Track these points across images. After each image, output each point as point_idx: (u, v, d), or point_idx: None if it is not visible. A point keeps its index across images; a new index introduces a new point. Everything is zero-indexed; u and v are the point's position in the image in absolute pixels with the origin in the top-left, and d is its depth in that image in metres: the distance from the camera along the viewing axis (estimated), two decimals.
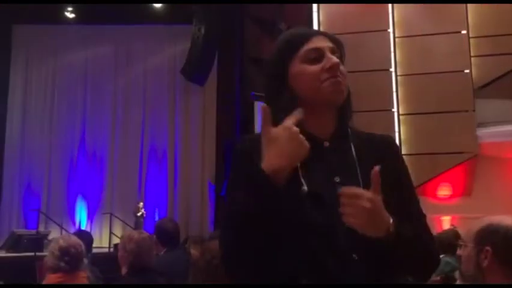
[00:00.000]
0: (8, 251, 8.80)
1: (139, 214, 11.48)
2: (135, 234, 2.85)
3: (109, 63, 12.37)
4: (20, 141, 11.46)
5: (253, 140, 1.11)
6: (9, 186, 11.16)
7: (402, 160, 1.20)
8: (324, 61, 1.12)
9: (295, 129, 1.02)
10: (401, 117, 8.84)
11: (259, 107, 14.43)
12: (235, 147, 1.15)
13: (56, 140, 11.83)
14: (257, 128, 14.29)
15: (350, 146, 1.15)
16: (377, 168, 1.00)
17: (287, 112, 1.10)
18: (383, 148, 1.17)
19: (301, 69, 1.13)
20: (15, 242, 8.90)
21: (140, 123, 12.95)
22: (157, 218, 12.40)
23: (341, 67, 1.13)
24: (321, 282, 1.01)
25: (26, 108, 11.62)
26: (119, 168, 12.41)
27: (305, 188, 1.05)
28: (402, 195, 1.13)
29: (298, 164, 1.06)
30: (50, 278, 2.09)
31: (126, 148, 12.59)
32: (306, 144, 1.01)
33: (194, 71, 12.89)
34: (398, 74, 8.92)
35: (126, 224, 11.25)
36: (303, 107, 1.11)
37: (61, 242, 2.15)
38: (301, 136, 1.01)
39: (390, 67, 8.91)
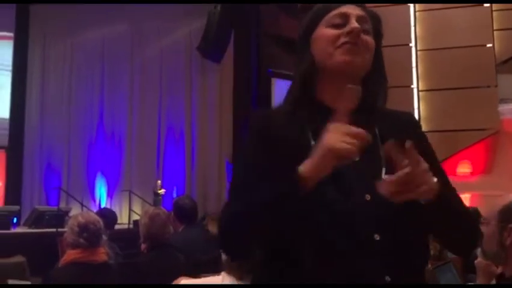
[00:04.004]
0: (30, 227, 9.00)
1: (157, 192, 11.61)
2: (150, 209, 2.88)
3: (125, 42, 12.36)
4: (40, 120, 11.60)
5: (268, 117, 1.07)
6: (30, 164, 11.36)
7: (427, 139, 1.14)
8: (347, 26, 1.06)
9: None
10: (420, 93, 8.69)
11: (276, 84, 14.35)
12: (250, 124, 1.10)
13: (74, 119, 11.95)
14: (274, 105, 14.22)
15: (373, 124, 1.08)
16: (409, 143, 0.93)
17: (304, 82, 1.07)
18: (407, 127, 1.11)
19: (321, 33, 1.08)
20: (37, 219, 9.09)
21: (157, 101, 12.99)
22: (175, 196, 12.54)
23: (365, 36, 1.06)
24: (339, 267, 0.96)
25: (45, 88, 11.72)
26: (137, 146, 12.52)
27: None
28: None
29: (313, 143, 1.01)
30: (70, 254, 2.12)
31: (144, 126, 12.67)
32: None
33: (210, 48, 12.82)
34: (418, 49, 8.74)
35: (145, 201, 11.39)
36: (322, 77, 1.07)
37: (80, 218, 2.17)
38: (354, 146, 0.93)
39: (410, 42, 8.73)
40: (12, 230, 8.54)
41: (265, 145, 1.02)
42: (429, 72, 8.68)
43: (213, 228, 4.90)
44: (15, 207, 9.37)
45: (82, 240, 2.12)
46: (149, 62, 12.84)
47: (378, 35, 1.11)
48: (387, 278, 0.97)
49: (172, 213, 3.08)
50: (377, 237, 0.98)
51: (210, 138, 13.55)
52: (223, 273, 1.69)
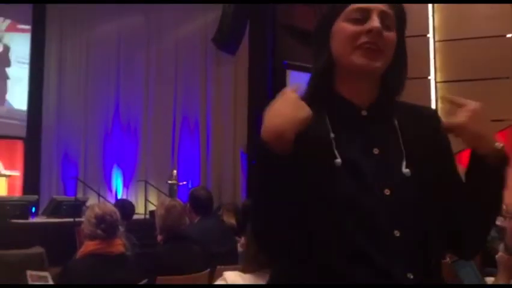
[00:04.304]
0: (48, 216, 9.13)
1: (172, 182, 11.69)
2: (166, 200, 2.90)
3: (140, 34, 12.39)
4: (57, 111, 11.72)
5: None
6: (48, 155, 11.51)
7: (448, 137, 1.10)
8: (367, 23, 1.01)
9: (292, 93, 0.96)
10: (438, 84, 8.58)
11: (291, 75, 14.28)
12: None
13: (90, 110, 12.05)
14: None
15: (392, 117, 1.06)
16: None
17: (322, 76, 1.05)
18: (428, 121, 1.08)
19: (340, 27, 1.03)
20: (55, 208, 9.22)
21: (172, 93, 13.03)
22: (190, 186, 12.61)
23: (386, 33, 1.02)
24: (358, 263, 0.94)
25: (61, 80, 11.83)
26: (153, 137, 12.59)
27: (339, 160, 0.98)
28: (449, 171, 1.06)
29: (332, 135, 1.01)
30: (88, 245, 2.14)
31: (159, 117, 12.73)
32: (305, 107, 0.95)
33: (225, 39, 12.79)
34: (436, 39, 8.61)
35: (160, 191, 11.48)
36: (340, 70, 1.05)
37: (97, 209, 2.19)
38: (299, 100, 0.95)
39: (428, 32, 8.60)
40: (31, 220, 8.67)
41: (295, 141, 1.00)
42: (447, 63, 8.56)
43: (228, 218, 4.93)
44: (34, 197, 9.52)
45: (99, 232, 2.14)
46: (164, 53, 12.87)
47: (401, 26, 1.07)
48: (410, 276, 0.96)
49: (188, 205, 3.09)
50: (397, 233, 0.96)
51: (225, 129, 13.57)
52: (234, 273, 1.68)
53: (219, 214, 5.09)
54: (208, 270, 2.68)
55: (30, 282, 2.35)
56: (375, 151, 1.01)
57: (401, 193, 0.96)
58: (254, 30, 13.13)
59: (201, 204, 3.09)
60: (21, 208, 8.43)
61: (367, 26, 1.01)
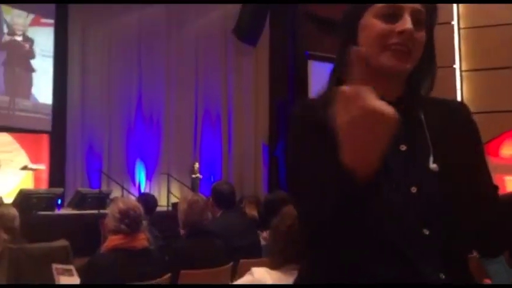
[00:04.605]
0: (74, 208, 9.30)
1: (194, 176, 11.76)
2: (189, 195, 2.91)
3: (161, 26, 12.45)
4: (81, 104, 11.88)
5: (311, 106, 1.02)
6: (73, 148, 11.69)
7: (477, 130, 1.06)
8: (398, 23, 0.97)
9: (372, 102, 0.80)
10: (463, 73, 8.40)
11: (313, 66, 14.17)
12: (295, 115, 1.05)
13: (113, 103, 12.18)
14: (311, 88, 14.07)
15: (418, 112, 1.03)
16: None
17: (348, 71, 1.02)
18: (456, 115, 1.04)
19: (370, 23, 0.99)
20: (80, 200, 9.38)
21: (193, 85, 13.07)
22: (212, 178, 12.68)
23: (418, 34, 0.98)
24: (389, 262, 0.92)
25: (85, 73, 11.97)
26: (175, 129, 12.67)
27: None
28: (478, 166, 1.02)
29: None
30: (112, 240, 2.16)
31: (181, 109, 12.79)
32: (391, 113, 0.81)
33: (246, 30, 12.75)
34: (461, 27, 8.41)
35: (183, 184, 11.56)
36: (367, 66, 1.02)
37: (121, 204, 2.20)
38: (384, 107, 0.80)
39: (452, 20, 8.40)
40: (57, 212, 8.84)
41: (314, 136, 0.98)
42: (472, 52, 8.37)
43: (250, 211, 4.93)
44: (59, 190, 9.69)
45: (123, 226, 2.15)
46: (185, 45, 12.90)
47: (432, 23, 1.03)
48: (442, 276, 0.93)
49: (211, 199, 3.09)
50: (426, 232, 0.93)
51: (246, 121, 13.56)
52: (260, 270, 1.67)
53: (241, 206, 5.09)
54: (231, 264, 2.68)
55: (55, 275, 2.39)
56: (402, 147, 0.98)
57: (428, 190, 0.93)
58: (275, 20, 13.04)
59: (223, 198, 3.09)
60: (47, 201, 8.59)
61: (399, 26, 0.97)
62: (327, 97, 1.04)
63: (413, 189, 0.95)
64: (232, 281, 2.75)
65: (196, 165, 11.97)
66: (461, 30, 8.40)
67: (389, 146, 0.96)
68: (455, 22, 8.40)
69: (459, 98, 8.57)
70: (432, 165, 0.96)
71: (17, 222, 3.13)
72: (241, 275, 2.75)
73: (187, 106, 12.92)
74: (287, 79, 13.90)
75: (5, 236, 2.98)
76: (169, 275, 2.30)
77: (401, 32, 0.96)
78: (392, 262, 0.92)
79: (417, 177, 0.95)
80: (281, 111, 14.24)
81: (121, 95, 12.26)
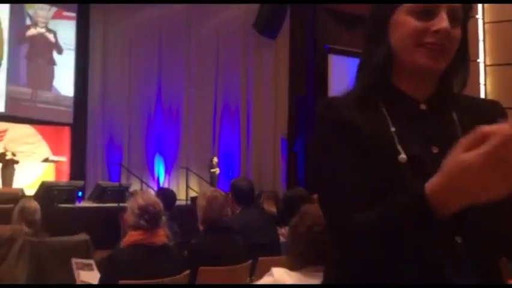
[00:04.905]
0: (94, 201, 9.40)
1: (213, 170, 11.78)
2: (208, 191, 2.89)
3: (182, 20, 12.46)
4: (101, 97, 11.97)
5: (339, 105, 0.98)
6: (93, 141, 11.80)
7: None
8: (434, 21, 0.91)
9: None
10: (487, 68, 8.23)
11: (333, 60, 14.03)
12: (321, 115, 1.00)
13: (134, 96, 12.25)
14: (331, 83, 13.95)
15: (452, 112, 0.98)
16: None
17: (381, 69, 0.97)
18: (491, 115, 0.99)
19: (402, 20, 0.94)
20: (100, 194, 9.47)
21: (213, 78, 13.07)
22: (230, 173, 12.68)
23: (454, 31, 0.92)
24: (421, 270, 0.88)
25: (105, 66, 12.05)
26: (194, 124, 12.71)
27: (403, 156, 0.90)
28: None
29: (393, 129, 0.93)
30: (131, 236, 2.15)
31: (200, 104, 12.81)
32: None
33: (266, 24, 12.68)
34: (486, 21, 8.23)
35: (201, 178, 11.59)
36: (398, 64, 0.97)
37: (140, 200, 2.19)
38: None
39: (477, 14, 8.22)
40: (77, 204, 8.94)
41: (343, 136, 0.93)
42: (497, 46, 8.19)
43: (268, 206, 4.90)
44: (80, 182, 9.80)
45: (142, 222, 2.14)
46: (205, 39, 12.90)
47: (467, 18, 0.98)
48: (457, 239, 0.90)
49: (230, 195, 3.07)
50: (458, 239, 0.89)
51: (266, 115, 13.52)
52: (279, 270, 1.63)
53: (259, 202, 5.07)
54: (250, 261, 2.65)
55: (75, 270, 2.40)
56: (434, 149, 0.93)
57: None
58: (295, 14, 12.95)
59: (242, 195, 3.06)
60: (68, 193, 8.69)
61: (435, 25, 0.92)
62: (354, 96, 1.00)
63: None
64: (251, 278, 2.73)
65: (215, 159, 11.98)
66: (486, 25, 8.23)
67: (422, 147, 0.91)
68: (479, 16, 8.23)
69: (483, 93, 8.39)
70: None
71: (38, 216, 3.16)
72: (260, 273, 2.73)
73: (207, 100, 12.94)
74: (307, 73, 13.80)
75: (26, 229, 3.01)
76: (187, 271, 2.29)
77: (437, 31, 0.91)
78: (423, 269, 0.89)
79: None
80: (300, 105, 14.15)
81: (141, 89, 12.33)
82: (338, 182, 0.92)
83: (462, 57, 0.99)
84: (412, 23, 0.93)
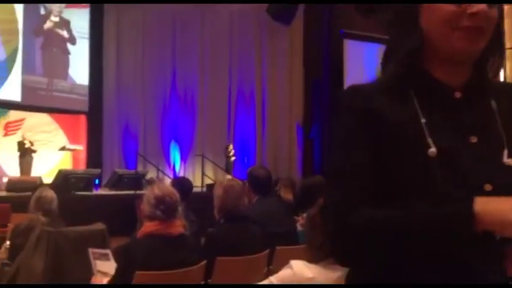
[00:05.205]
0: (111, 189, 9.46)
1: (228, 157, 11.78)
2: (225, 180, 2.85)
3: (195, 6, 12.35)
4: (116, 85, 11.99)
5: (365, 93, 0.92)
6: (109, 129, 11.85)
7: None
8: (470, 3, 0.86)
9: None
10: (506, 51, 8.01)
11: (348, 45, 13.84)
12: (345, 103, 0.95)
13: (148, 83, 12.25)
14: (346, 68, 13.78)
15: (489, 99, 0.92)
16: None
17: (411, 58, 0.91)
18: None
19: (436, 5, 0.89)
20: (117, 181, 9.54)
21: (227, 66, 13.00)
22: (246, 160, 12.67)
23: (491, 12, 0.87)
24: (452, 273, 0.83)
25: (120, 54, 12.04)
26: (209, 111, 12.68)
27: (433, 150, 0.85)
28: None
29: (424, 120, 0.88)
30: (147, 226, 2.13)
31: (215, 91, 12.77)
32: None
33: (280, 9, 12.53)
34: (504, 4, 8.00)
35: (217, 165, 11.60)
36: (431, 51, 0.91)
37: (156, 190, 2.16)
38: None
39: None
40: (95, 192, 9.01)
41: (369, 127, 0.88)
42: None
43: (285, 194, 4.85)
44: (97, 170, 9.87)
45: (158, 213, 2.11)
46: (219, 25, 12.81)
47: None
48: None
49: (247, 184, 3.03)
50: (498, 236, 0.83)
51: (281, 101, 13.44)
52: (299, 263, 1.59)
53: (275, 190, 5.02)
54: (268, 250, 2.62)
55: (92, 260, 2.39)
56: (473, 139, 0.87)
57: (504, 188, 0.82)
58: None
59: (259, 183, 3.02)
60: (85, 181, 8.76)
61: (471, 7, 0.86)
62: (382, 85, 0.94)
63: (488, 187, 0.84)
64: (268, 268, 2.70)
65: (230, 147, 11.97)
66: (506, 7, 7.99)
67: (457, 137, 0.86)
68: None
69: (502, 77, 8.21)
70: (508, 160, 0.86)
71: (54, 205, 3.16)
72: (277, 262, 2.69)
73: (221, 87, 12.89)
74: (322, 59, 13.64)
75: (42, 219, 3.01)
76: (204, 262, 2.26)
77: (475, 14, 0.85)
78: (459, 268, 0.83)
79: (490, 174, 0.85)
80: (316, 91, 14.02)
81: (156, 76, 12.32)
82: (350, 172, 0.88)
83: (497, 39, 0.93)
84: (447, 6, 0.87)
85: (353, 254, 0.86)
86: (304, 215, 4.17)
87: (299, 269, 1.56)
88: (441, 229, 0.78)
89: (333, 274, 1.50)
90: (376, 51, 14.63)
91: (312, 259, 1.60)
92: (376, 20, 13.64)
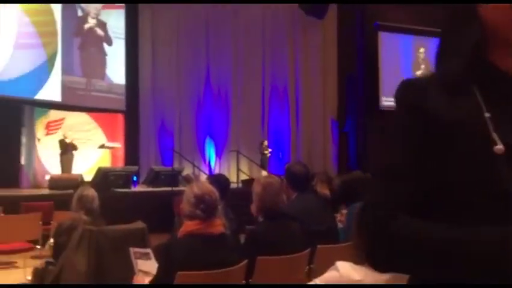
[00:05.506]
0: (148, 185, 9.60)
1: (263, 152, 11.75)
2: (263, 177, 2.81)
3: (227, 3, 12.34)
4: (152, 83, 12.15)
5: (423, 89, 0.86)
6: (146, 126, 12.03)
7: None
8: None
9: None
10: None
11: (383, 37, 13.57)
12: (401, 98, 0.88)
13: (183, 81, 12.36)
14: (381, 61, 13.51)
15: None
16: None
17: (475, 49, 0.85)
18: None
19: None
20: (154, 178, 9.66)
21: (260, 61, 12.97)
22: (280, 155, 12.62)
23: None
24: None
25: (155, 53, 12.19)
26: (243, 107, 12.69)
27: (500, 147, 0.78)
28: None
29: (488, 115, 0.81)
30: (188, 225, 2.12)
31: (248, 87, 12.77)
32: None
33: (313, 4, 12.39)
34: None
35: (252, 161, 11.60)
36: (496, 40, 0.84)
37: (196, 189, 2.15)
38: None
39: None
40: (133, 189, 9.16)
41: (422, 126, 0.82)
42: None
43: (321, 189, 4.79)
44: (135, 167, 10.03)
45: (198, 212, 2.10)
46: (251, 21, 12.78)
47: None
48: None
49: (285, 180, 2.99)
50: None
51: (314, 96, 13.32)
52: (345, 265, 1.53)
53: (312, 184, 4.96)
54: (309, 249, 2.57)
55: (133, 259, 2.40)
56: None
57: None
58: None
59: (298, 180, 2.97)
60: (123, 178, 8.91)
61: None
62: (440, 79, 0.88)
63: None
64: (309, 267, 2.65)
65: (265, 142, 11.95)
66: None
67: None
68: None
69: None
70: None
71: (96, 203, 3.20)
72: (318, 261, 2.64)
73: (255, 83, 12.87)
74: (356, 51, 13.43)
75: (84, 218, 3.06)
76: (245, 261, 2.24)
77: None
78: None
79: None
80: (350, 85, 13.82)
81: (190, 73, 12.41)
82: (395, 173, 0.83)
83: None
84: None
85: (388, 263, 0.82)
86: (343, 211, 4.11)
87: (346, 271, 1.50)
88: (491, 261, 0.71)
89: (382, 276, 1.44)
90: (412, 43, 14.31)
91: (358, 260, 1.55)
92: (411, 10, 13.31)
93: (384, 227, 0.79)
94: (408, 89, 0.88)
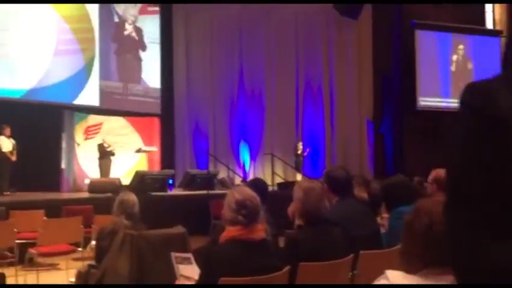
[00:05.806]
0: (184, 189, 9.68)
1: (298, 155, 11.68)
2: (304, 182, 2.77)
3: (260, 5, 12.35)
4: (186, 87, 12.26)
5: (491, 92, 0.80)
6: (181, 130, 12.15)
7: None
8: None
9: None
10: None
11: (420, 36, 13.27)
12: (469, 103, 0.83)
13: (216, 84, 12.42)
14: (418, 60, 13.22)
15: None
16: None
17: None
18: None
19: None
20: (190, 181, 9.74)
21: (294, 62, 12.90)
22: (315, 158, 12.51)
23: None
24: None
25: (189, 56, 12.32)
26: (277, 110, 12.65)
27: None
28: None
29: None
30: (230, 231, 2.10)
31: (282, 89, 12.72)
32: None
33: (347, 4, 12.25)
34: None
35: (287, 163, 11.54)
36: None
37: (237, 195, 2.13)
38: None
39: None
40: (169, 192, 9.25)
41: (497, 135, 0.77)
42: None
43: (359, 193, 4.69)
44: (171, 171, 10.13)
45: (240, 218, 2.08)
46: (284, 23, 12.74)
47: None
48: None
49: (326, 185, 2.94)
50: None
51: (349, 97, 13.15)
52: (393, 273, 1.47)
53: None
54: (352, 255, 2.51)
55: (174, 264, 2.40)
56: None
57: None
58: None
59: (339, 184, 2.91)
60: (160, 181, 9.01)
61: None
62: (506, 80, 0.82)
63: None
64: (352, 273, 2.59)
65: (300, 144, 11.87)
66: None
67: None
68: None
69: None
70: None
71: (136, 208, 3.24)
72: (361, 267, 2.58)
73: (289, 84, 12.81)
74: (392, 51, 13.19)
75: (125, 222, 3.09)
76: (287, 267, 2.20)
77: None
78: None
79: None
80: (385, 85, 13.58)
81: (224, 75, 12.47)
82: (476, 190, 0.77)
83: None
84: None
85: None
86: (384, 215, 4.01)
87: (397, 281, 1.44)
88: None
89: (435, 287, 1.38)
90: (450, 41, 13.95)
91: (409, 269, 1.48)
92: (448, 8, 12.98)
93: (472, 256, 0.75)
94: (480, 96, 0.81)
